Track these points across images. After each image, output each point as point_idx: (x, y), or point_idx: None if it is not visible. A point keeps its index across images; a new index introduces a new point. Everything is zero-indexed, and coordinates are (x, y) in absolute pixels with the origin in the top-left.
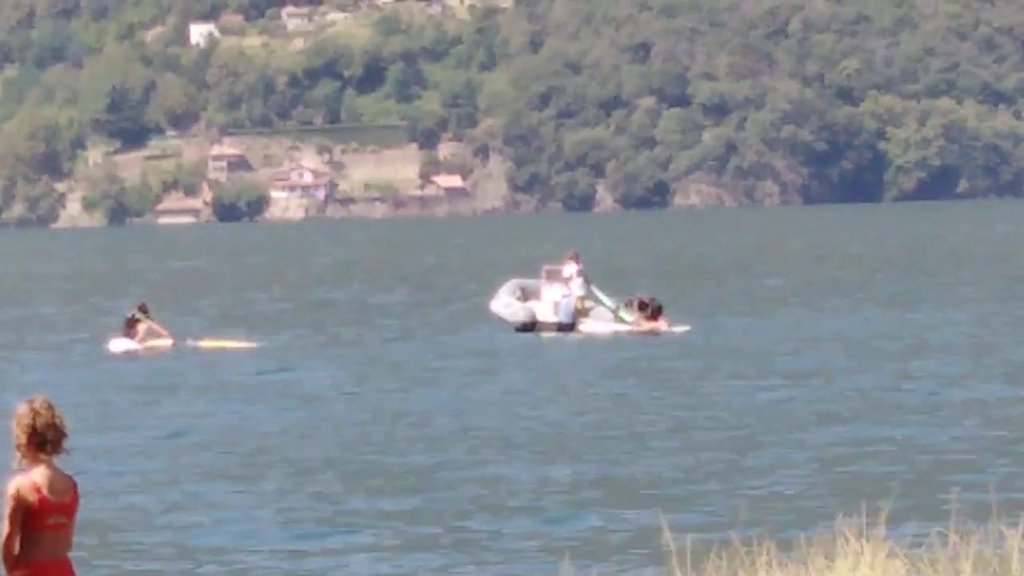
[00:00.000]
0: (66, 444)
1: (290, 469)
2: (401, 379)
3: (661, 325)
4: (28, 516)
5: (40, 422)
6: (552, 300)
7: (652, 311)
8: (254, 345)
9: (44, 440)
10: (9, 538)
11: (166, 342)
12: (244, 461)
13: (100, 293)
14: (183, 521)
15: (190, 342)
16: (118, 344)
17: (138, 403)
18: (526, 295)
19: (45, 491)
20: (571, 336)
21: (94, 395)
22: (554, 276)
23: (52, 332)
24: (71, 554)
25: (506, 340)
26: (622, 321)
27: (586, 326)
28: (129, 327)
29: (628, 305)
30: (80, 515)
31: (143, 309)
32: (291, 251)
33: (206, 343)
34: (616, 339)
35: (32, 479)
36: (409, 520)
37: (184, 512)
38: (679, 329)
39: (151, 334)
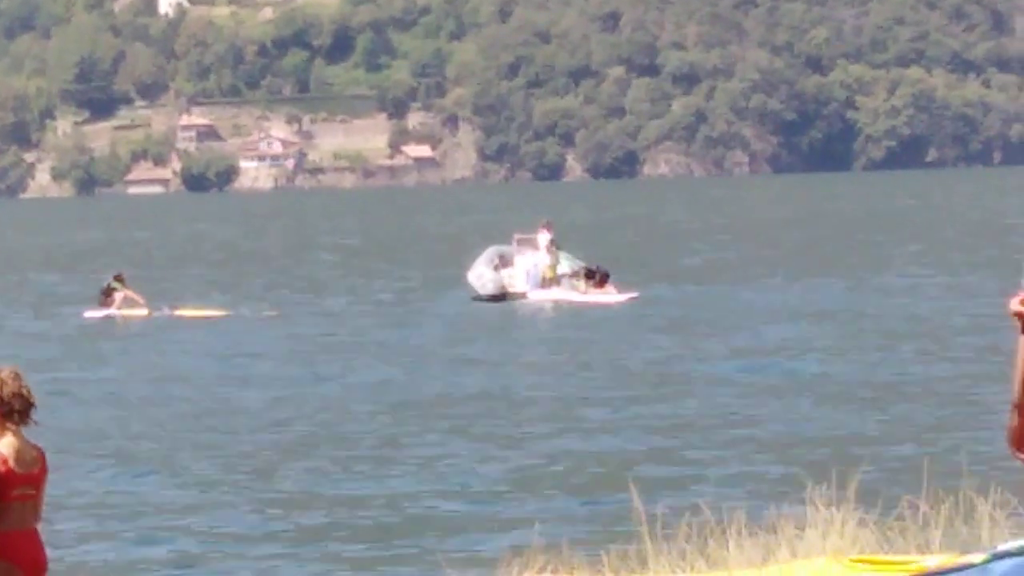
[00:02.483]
0: (34, 414)
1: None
2: (357, 352)
3: (608, 292)
4: None
5: (7, 391)
6: (524, 268)
7: (599, 278)
8: (229, 312)
9: (11, 410)
10: None
11: (142, 311)
12: (211, 430)
13: (74, 263)
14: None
15: (166, 310)
16: (94, 313)
17: (109, 371)
18: (504, 263)
19: (12, 462)
20: (524, 304)
21: (69, 364)
22: (526, 244)
23: (27, 301)
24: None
25: (459, 310)
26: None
27: (534, 294)
28: (106, 296)
29: (575, 276)
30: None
31: (119, 278)
32: (262, 220)
33: (182, 311)
34: (564, 308)
35: None
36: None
37: (144, 477)
38: (625, 296)
39: (128, 302)
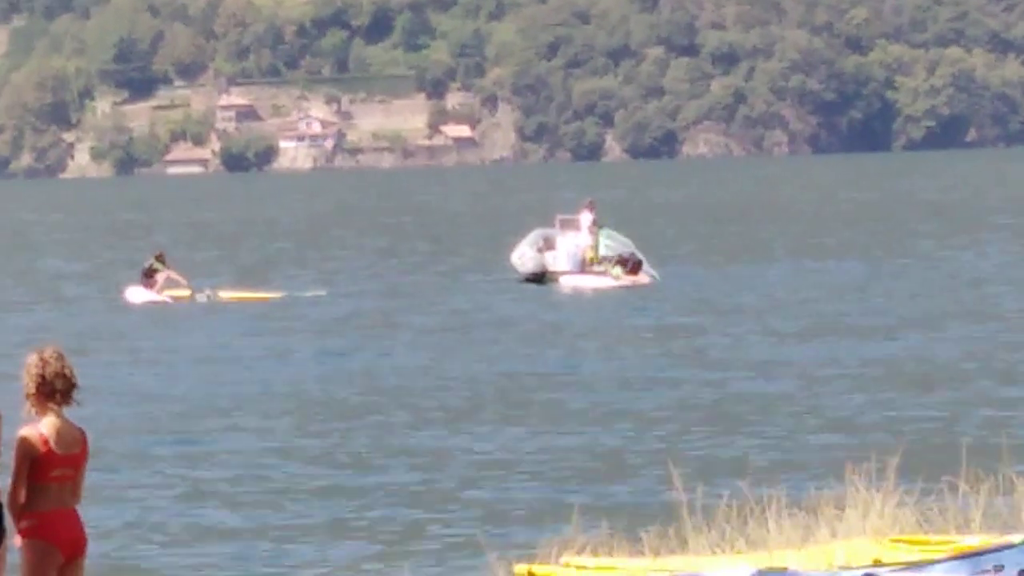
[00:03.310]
0: (76, 395)
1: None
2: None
3: (641, 278)
4: (34, 467)
5: (49, 371)
6: (566, 250)
7: (632, 266)
8: (276, 295)
9: (53, 389)
10: (15, 488)
11: (185, 292)
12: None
13: (114, 243)
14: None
15: (208, 292)
16: (136, 294)
17: (157, 352)
18: (548, 245)
19: (52, 443)
20: (561, 286)
21: (111, 344)
22: (568, 225)
23: (67, 282)
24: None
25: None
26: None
27: (567, 278)
28: (147, 277)
29: (609, 262)
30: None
31: (160, 259)
32: (300, 199)
33: (225, 293)
34: (601, 292)
35: (39, 430)
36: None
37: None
38: (647, 279)
39: (170, 283)
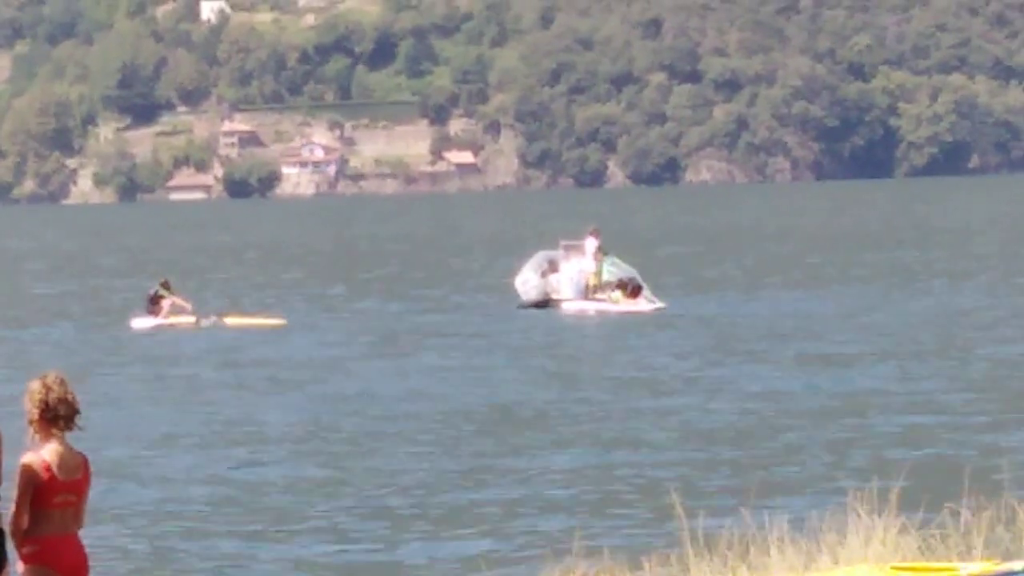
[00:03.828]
0: (79, 421)
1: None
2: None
3: (641, 303)
4: (37, 493)
5: (52, 397)
6: (569, 276)
7: (631, 290)
8: (280, 322)
9: (56, 415)
10: (18, 514)
11: (190, 319)
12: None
13: (117, 270)
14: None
15: (213, 318)
16: (142, 322)
17: (158, 380)
18: (552, 268)
19: (55, 468)
20: (562, 312)
21: (116, 372)
22: (572, 251)
23: (72, 309)
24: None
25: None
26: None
27: (568, 304)
28: (153, 304)
29: (609, 287)
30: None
31: (166, 285)
32: (307, 227)
33: (230, 319)
34: (599, 317)
35: (42, 456)
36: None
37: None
38: (655, 306)
39: (176, 310)
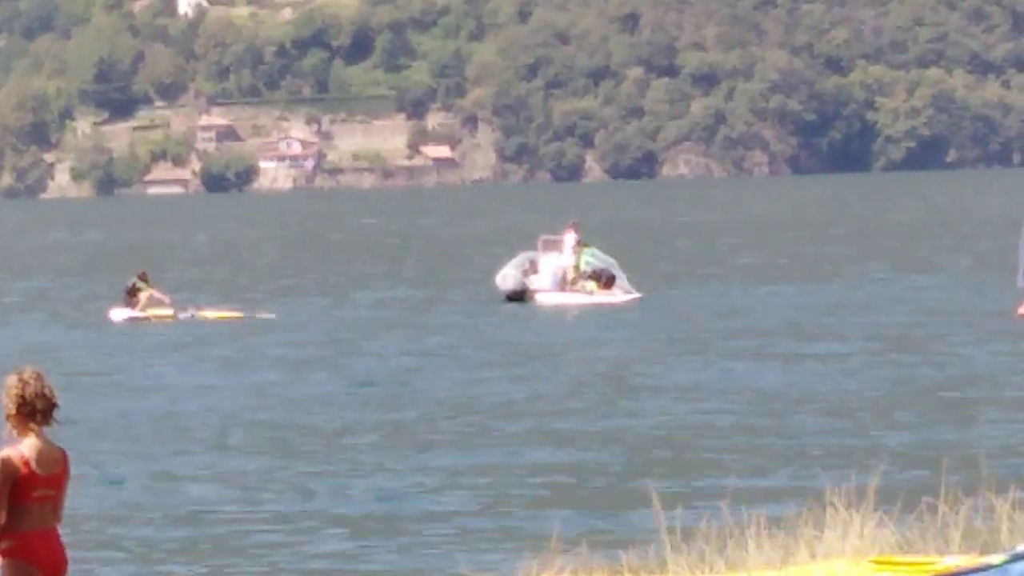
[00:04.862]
0: (56, 415)
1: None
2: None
3: (616, 293)
4: (15, 488)
5: (29, 392)
6: (549, 270)
7: (605, 280)
8: (268, 315)
9: (33, 410)
10: None
11: (168, 311)
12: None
13: (97, 264)
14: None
15: (191, 311)
16: (119, 313)
17: (136, 371)
18: (534, 268)
19: (33, 464)
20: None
21: (95, 364)
22: (551, 246)
23: (51, 302)
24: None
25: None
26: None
27: (543, 295)
28: (130, 296)
29: (583, 278)
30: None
31: (143, 278)
32: (282, 221)
33: (207, 312)
34: (578, 309)
35: (20, 451)
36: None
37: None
38: (629, 296)
39: (153, 302)
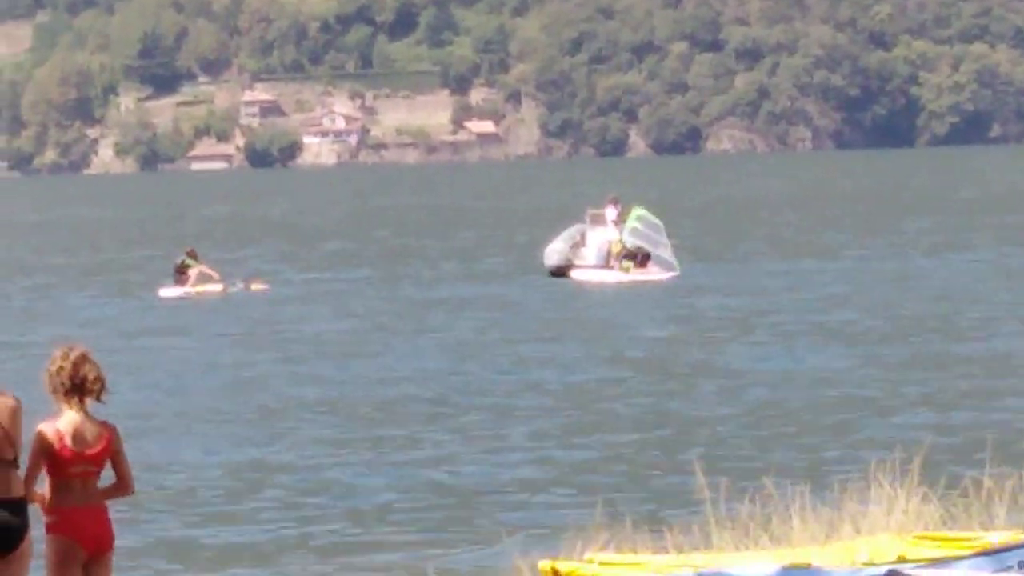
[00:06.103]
0: (102, 393)
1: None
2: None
3: (652, 271)
4: (52, 463)
5: (72, 368)
6: (595, 244)
7: (640, 259)
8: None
9: (74, 386)
10: (27, 480)
11: (217, 287)
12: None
13: (145, 239)
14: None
15: (240, 285)
16: (169, 291)
17: (189, 348)
18: (584, 241)
19: (68, 439)
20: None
21: (145, 341)
22: (597, 220)
23: (100, 279)
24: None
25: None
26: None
27: (578, 273)
28: (180, 273)
29: (619, 257)
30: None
31: (191, 255)
32: (328, 195)
33: (256, 285)
34: (616, 286)
35: (56, 426)
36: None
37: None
38: (668, 275)
39: (202, 278)
